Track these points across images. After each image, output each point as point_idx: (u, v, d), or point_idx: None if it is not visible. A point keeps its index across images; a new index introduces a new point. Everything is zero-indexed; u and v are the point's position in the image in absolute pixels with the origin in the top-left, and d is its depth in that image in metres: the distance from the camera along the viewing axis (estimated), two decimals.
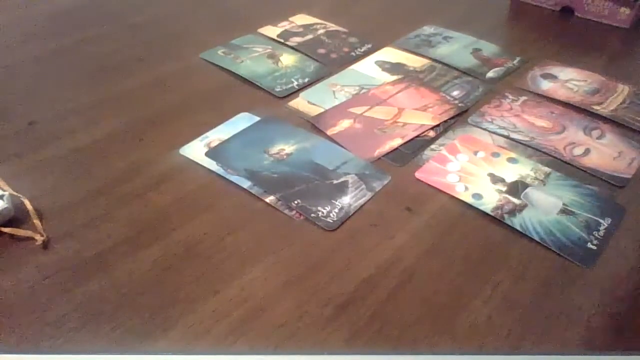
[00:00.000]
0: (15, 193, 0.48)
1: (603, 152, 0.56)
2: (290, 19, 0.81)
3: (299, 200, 0.49)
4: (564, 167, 0.54)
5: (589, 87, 0.66)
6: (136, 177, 0.52)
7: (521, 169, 0.53)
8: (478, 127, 0.59)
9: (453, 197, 0.50)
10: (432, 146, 0.56)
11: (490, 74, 0.69)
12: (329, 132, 0.58)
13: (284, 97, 0.63)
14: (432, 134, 0.58)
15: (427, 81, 0.67)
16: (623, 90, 0.65)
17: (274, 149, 0.55)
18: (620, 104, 0.63)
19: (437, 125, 0.59)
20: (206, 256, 0.44)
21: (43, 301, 0.40)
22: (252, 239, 0.46)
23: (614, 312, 0.40)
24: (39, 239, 0.44)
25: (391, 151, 0.55)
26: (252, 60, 0.70)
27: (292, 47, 0.74)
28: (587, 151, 0.56)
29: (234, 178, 0.52)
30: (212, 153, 0.54)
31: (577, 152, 0.56)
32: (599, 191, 0.51)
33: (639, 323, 0.40)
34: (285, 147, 0.55)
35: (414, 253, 0.45)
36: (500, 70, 0.70)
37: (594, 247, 0.45)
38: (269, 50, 0.73)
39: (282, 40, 0.75)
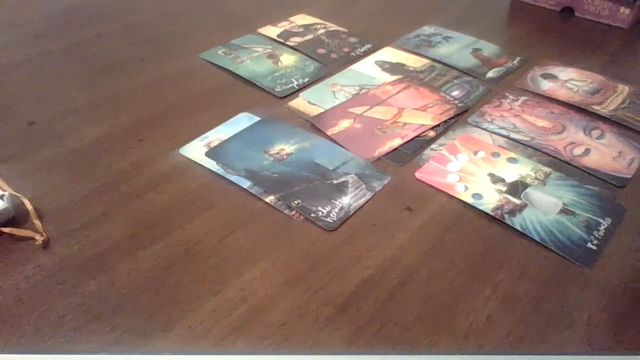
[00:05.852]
0: (15, 193, 0.48)
1: (603, 152, 0.56)
2: (290, 19, 0.81)
3: (298, 200, 0.49)
4: (564, 167, 0.54)
5: (589, 87, 0.66)
6: (136, 177, 0.52)
7: (521, 169, 0.53)
8: (478, 127, 0.59)
9: (453, 197, 0.50)
10: (432, 146, 0.56)
11: (490, 74, 0.69)
12: (329, 132, 0.58)
13: (284, 97, 0.63)
14: (432, 134, 0.58)
15: (427, 81, 0.67)
16: (623, 90, 0.65)
17: (274, 149, 0.55)
18: (620, 104, 0.63)
19: (437, 125, 0.59)
20: (206, 256, 0.44)
21: (43, 301, 0.40)
22: (252, 239, 0.46)
23: (614, 312, 0.40)
24: (39, 239, 0.44)
25: (391, 151, 0.55)
26: (252, 60, 0.70)
27: (292, 47, 0.74)
28: (587, 151, 0.56)
29: (234, 178, 0.52)
30: (212, 153, 0.54)
31: (577, 152, 0.56)
32: (599, 191, 0.51)
33: (639, 323, 0.40)
34: (285, 147, 0.55)
35: (414, 253, 0.45)
36: (500, 70, 0.70)
37: (594, 247, 0.45)
38: (269, 50, 0.73)
39: (282, 40, 0.75)
